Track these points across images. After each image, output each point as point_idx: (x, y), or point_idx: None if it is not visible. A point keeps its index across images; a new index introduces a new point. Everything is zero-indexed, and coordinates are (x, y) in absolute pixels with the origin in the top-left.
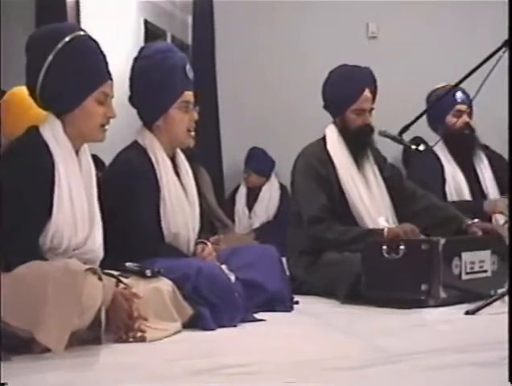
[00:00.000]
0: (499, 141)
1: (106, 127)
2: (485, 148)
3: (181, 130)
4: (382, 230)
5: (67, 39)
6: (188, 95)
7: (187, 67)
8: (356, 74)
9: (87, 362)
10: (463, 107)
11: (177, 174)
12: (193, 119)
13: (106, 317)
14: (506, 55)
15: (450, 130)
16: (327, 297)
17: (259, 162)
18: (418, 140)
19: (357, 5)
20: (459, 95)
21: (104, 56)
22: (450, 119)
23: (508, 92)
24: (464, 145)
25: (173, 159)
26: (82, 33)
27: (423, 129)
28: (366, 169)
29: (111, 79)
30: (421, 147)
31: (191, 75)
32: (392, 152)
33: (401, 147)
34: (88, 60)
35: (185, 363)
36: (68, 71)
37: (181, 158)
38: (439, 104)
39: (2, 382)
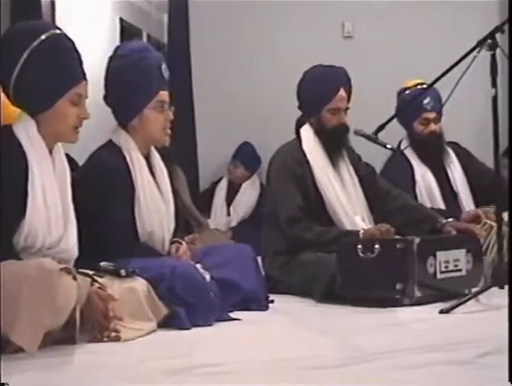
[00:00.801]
0: (473, 140)
1: (80, 128)
2: (455, 145)
3: (156, 130)
4: (358, 231)
5: (43, 36)
6: (164, 94)
7: (163, 66)
8: (330, 74)
9: (61, 362)
10: (431, 115)
11: (152, 173)
12: (168, 119)
13: (81, 316)
14: (481, 55)
15: (417, 137)
16: (302, 296)
17: (248, 157)
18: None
19: (333, 4)
20: (427, 101)
21: (79, 56)
22: (417, 126)
23: (508, 92)
24: (430, 151)
25: (148, 158)
26: (58, 31)
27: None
28: (341, 168)
29: (86, 79)
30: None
31: (166, 74)
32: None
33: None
34: (64, 59)
35: (160, 363)
36: (42, 69)
37: (156, 157)
38: (408, 108)
39: (2, 382)
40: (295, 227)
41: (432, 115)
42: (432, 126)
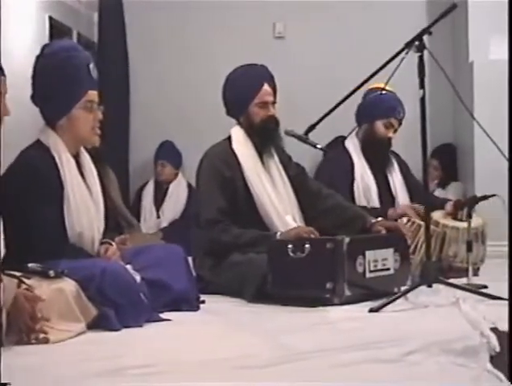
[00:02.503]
0: (402, 140)
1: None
2: (396, 155)
3: (85, 130)
4: (275, 234)
5: None
6: (92, 94)
7: (91, 66)
8: (253, 71)
9: None
10: (395, 123)
11: (81, 173)
12: (97, 118)
13: (7, 318)
14: (409, 55)
15: (374, 135)
16: (234, 296)
17: (171, 154)
18: None
19: (264, 5)
20: (399, 110)
21: None
22: (379, 125)
23: (508, 92)
24: (379, 155)
25: (77, 158)
26: None
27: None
28: (272, 168)
29: (4, 75)
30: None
31: (95, 74)
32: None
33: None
34: None
35: (89, 365)
36: None
37: (85, 157)
38: (373, 106)
39: (2, 382)
40: (214, 230)
41: (396, 123)
42: (391, 133)
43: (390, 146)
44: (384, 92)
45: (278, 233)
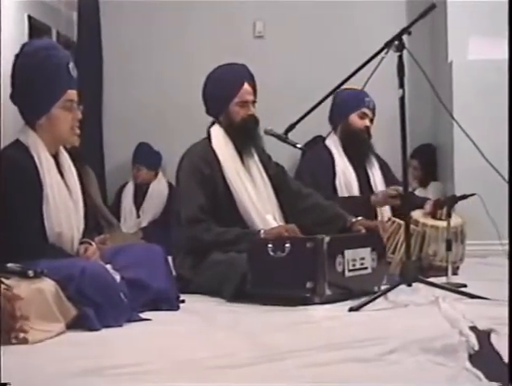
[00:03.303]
0: (382, 140)
1: None
2: (376, 156)
3: (65, 129)
4: (259, 231)
5: None
6: (72, 94)
7: (71, 65)
8: (233, 70)
9: None
10: (369, 112)
11: (61, 173)
12: (77, 118)
13: None
14: (389, 55)
15: (351, 129)
16: (214, 296)
17: (148, 156)
18: None
19: (244, 4)
20: (368, 100)
21: None
22: (354, 118)
23: (508, 92)
24: (360, 147)
25: (56, 158)
26: None
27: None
28: (252, 167)
29: None
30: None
31: (74, 73)
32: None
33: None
34: None
35: (68, 365)
36: None
37: (64, 156)
38: (344, 103)
39: (2, 382)
40: (195, 228)
41: (370, 112)
42: (367, 122)
43: (369, 136)
44: (349, 90)
45: (262, 231)
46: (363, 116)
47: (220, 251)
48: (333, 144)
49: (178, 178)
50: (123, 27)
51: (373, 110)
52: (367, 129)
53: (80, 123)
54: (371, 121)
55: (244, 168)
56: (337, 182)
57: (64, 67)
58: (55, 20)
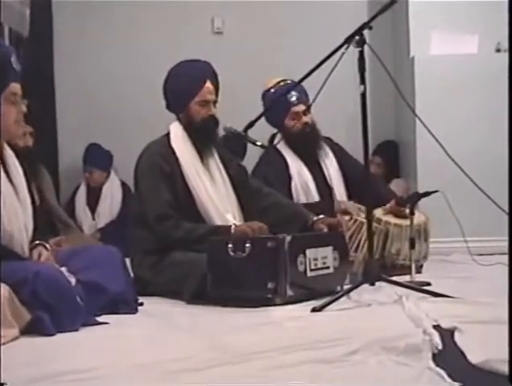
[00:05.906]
0: (344, 137)
1: None
2: (329, 140)
3: (9, 123)
4: (230, 227)
5: None
6: (15, 87)
7: (13, 59)
8: (196, 67)
9: None
10: (299, 108)
11: (5, 171)
12: (21, 111)
13: None
14: (350, 50)
15: (290, 132)
16: (172, 297)
17: (99, 157)
18: None
19: (203, 0)
20: (292, 95)
21: None
22: (288, 122)
23: (508, 91)
24: (306, 144)
25: (0, 155)
26: None
27: None
28: (211, 165)
29: None
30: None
31: (17, 67)
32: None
33: None
34: None
35: (22, 371)
36: None
37: (9, 154)
38: (275, 107)
39: (2, 382)
40: (164, 225)
41: (300, 108)
42: (304, 118)
43: (314, 130)
44: (272, 90)
45: (233, 227)
46: (295, 116)
47: (183, 250)
48: (283, 146)
49: (136, 176)
50: (76, 25)
51: (302, 102)
52: (306, 124)
53: (24, 117)
54: (308, 109)
55: (203, 167)
56: (293, 186)
57: (6, 61)
58: (7, 16)
